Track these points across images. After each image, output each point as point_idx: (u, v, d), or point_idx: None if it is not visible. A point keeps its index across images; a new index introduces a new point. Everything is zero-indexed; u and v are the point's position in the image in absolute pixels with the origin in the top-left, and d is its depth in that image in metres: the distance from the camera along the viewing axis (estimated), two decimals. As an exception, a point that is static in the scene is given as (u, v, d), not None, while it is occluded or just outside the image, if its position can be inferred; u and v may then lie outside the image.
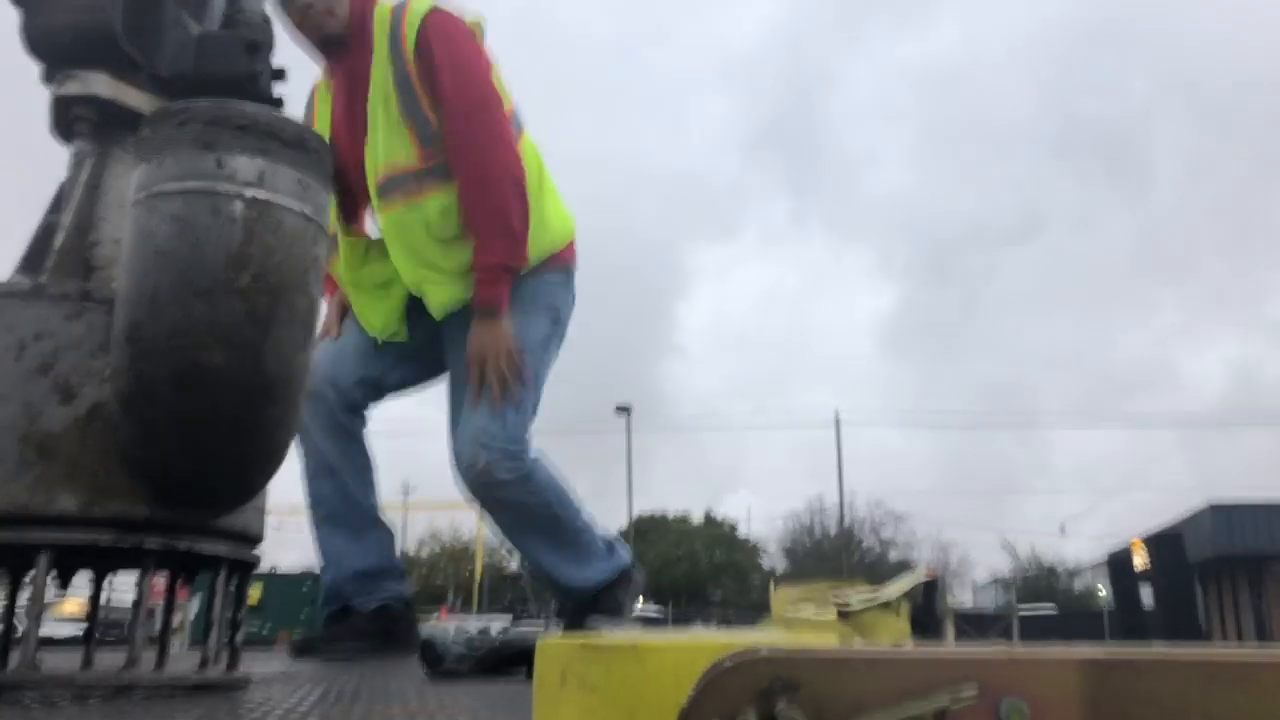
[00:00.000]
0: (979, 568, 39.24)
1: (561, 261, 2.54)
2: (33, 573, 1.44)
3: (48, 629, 1.86)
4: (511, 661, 2.17)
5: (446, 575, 38.29)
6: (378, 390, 2.62)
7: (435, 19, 2.34)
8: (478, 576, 30.28)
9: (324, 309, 2.64)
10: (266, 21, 1.94)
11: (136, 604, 1.53)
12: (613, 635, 0.86)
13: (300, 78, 2.00)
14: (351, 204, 2.54)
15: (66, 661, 1.69)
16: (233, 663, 1.67)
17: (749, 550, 37.99)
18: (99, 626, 1.80)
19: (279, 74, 1.87)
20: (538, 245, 2.42)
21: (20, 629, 1.53)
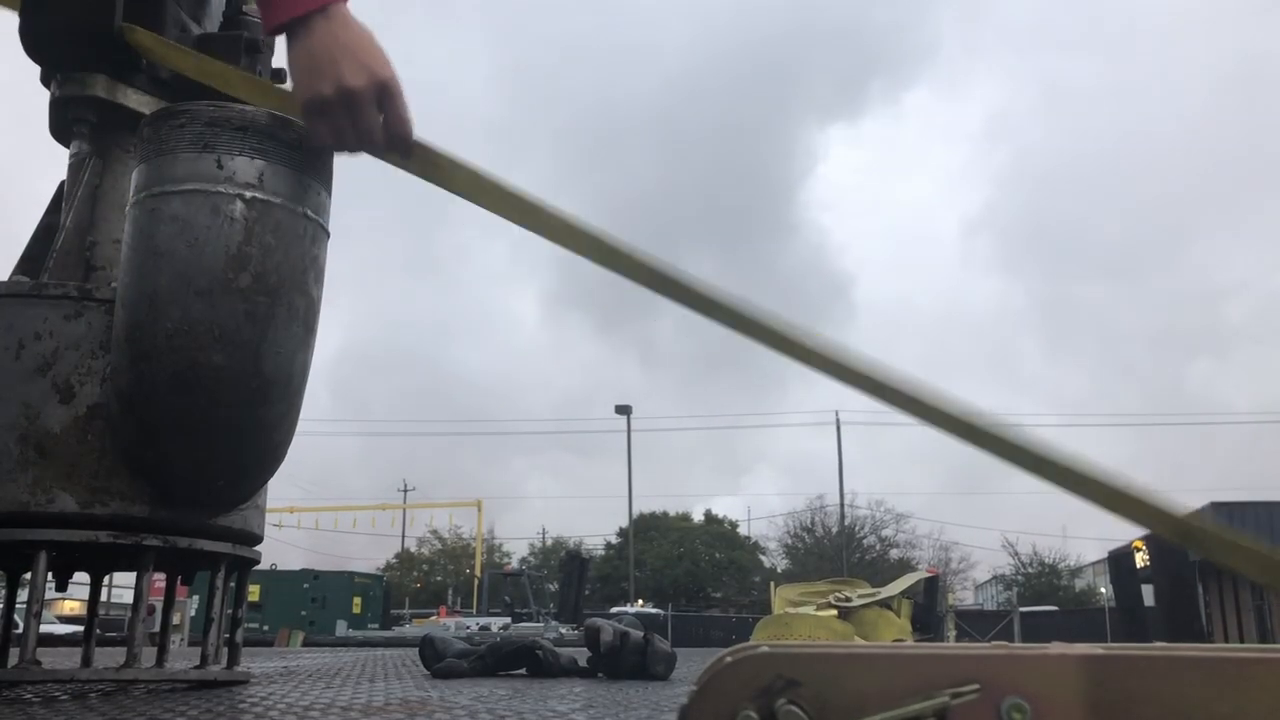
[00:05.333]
0: (980, 567, 39.19)
1: None
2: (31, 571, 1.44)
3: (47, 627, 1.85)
4: (512, 659, 2.17)
5: (446, 574, 38.31)
6: None
7: None
8: (477, 575, 30.26)
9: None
10: (266, 21, 1.94)
11: (136, 601, 1.53)
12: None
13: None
14: None
15: (67, 659, 1.69)
16: (233, 660, 1.67)
17: (749, 549, 37.95)
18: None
19: (279, 74, 1.86)
20: None
21: (20, 626, 1.53)
